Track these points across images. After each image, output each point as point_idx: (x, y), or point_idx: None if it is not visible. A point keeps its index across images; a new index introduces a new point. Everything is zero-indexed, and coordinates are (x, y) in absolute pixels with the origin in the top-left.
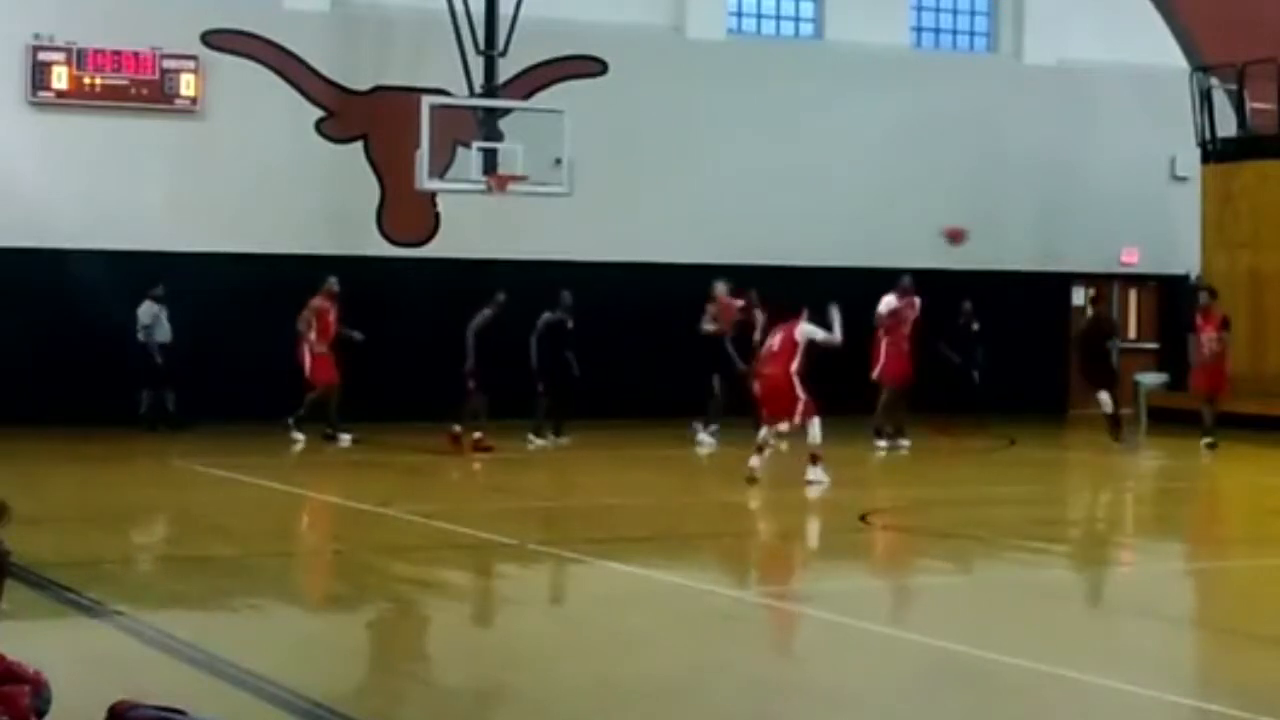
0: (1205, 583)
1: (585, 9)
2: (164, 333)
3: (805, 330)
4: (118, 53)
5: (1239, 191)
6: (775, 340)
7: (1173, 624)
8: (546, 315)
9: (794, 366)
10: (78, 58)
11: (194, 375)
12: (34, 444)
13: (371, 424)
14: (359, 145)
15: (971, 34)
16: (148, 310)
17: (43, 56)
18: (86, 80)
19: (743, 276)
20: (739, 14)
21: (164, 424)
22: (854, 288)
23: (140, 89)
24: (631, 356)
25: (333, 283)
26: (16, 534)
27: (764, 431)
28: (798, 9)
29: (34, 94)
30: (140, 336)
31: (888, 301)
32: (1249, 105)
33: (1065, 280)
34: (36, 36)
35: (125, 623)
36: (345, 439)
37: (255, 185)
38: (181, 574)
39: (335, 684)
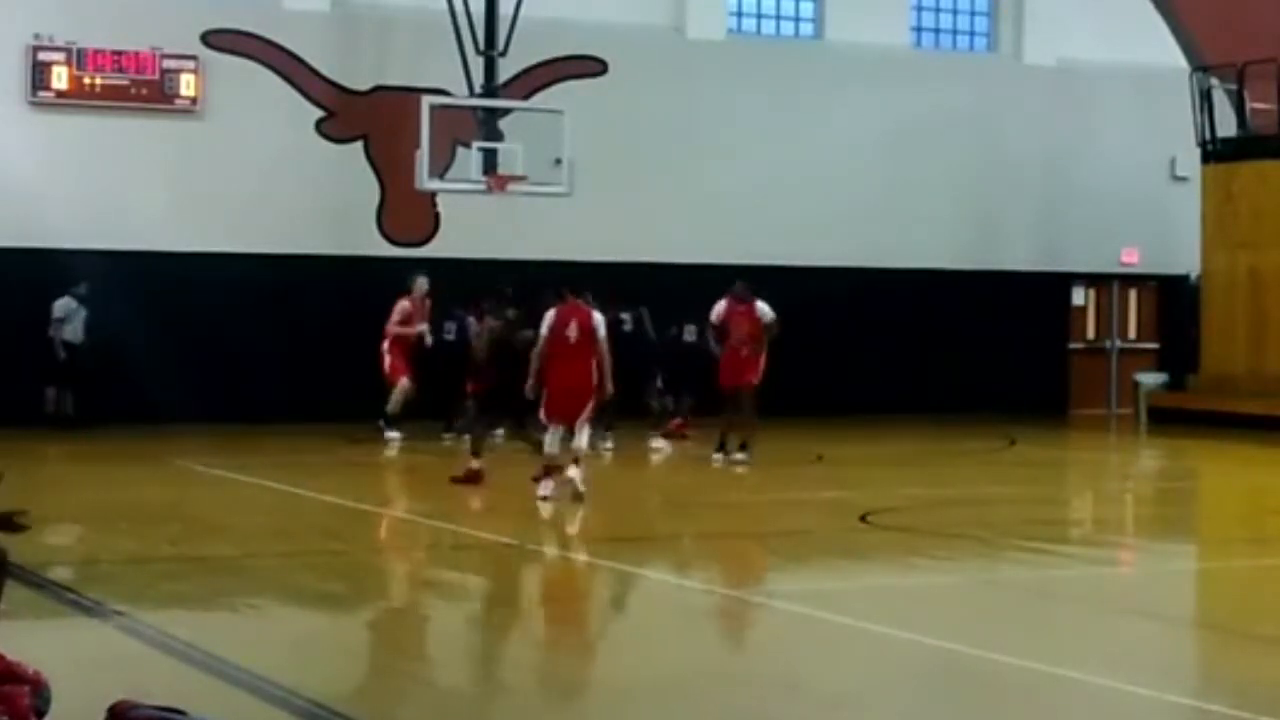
0: (1205, 583)
1: (585, 9)
2: (74, 331)
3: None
4: (118, 53)
5: (1239, 191)
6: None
7: (1173, 624)
8: None
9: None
10: (78, 58)
11: (194, 374)
12: (34, 443)
13: (374, 421)
14: (359, 145)
15: (971, 34)
16: (63, 305)
17: (43, 56)
18: (86, 80)
19: (744, 275)
20: (739, 14)
21: (65, 422)
22: (854, 287)
23: (140, 89)
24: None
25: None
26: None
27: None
28: (798, 9)
29: (34, 94)
30: (50, 331)
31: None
32: (1249, 105)
33: (1065, 280)
34: (36, 36)
35: (125, 623)
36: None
37: (255, 185)
38: (181, 574)
39: (334, 683)
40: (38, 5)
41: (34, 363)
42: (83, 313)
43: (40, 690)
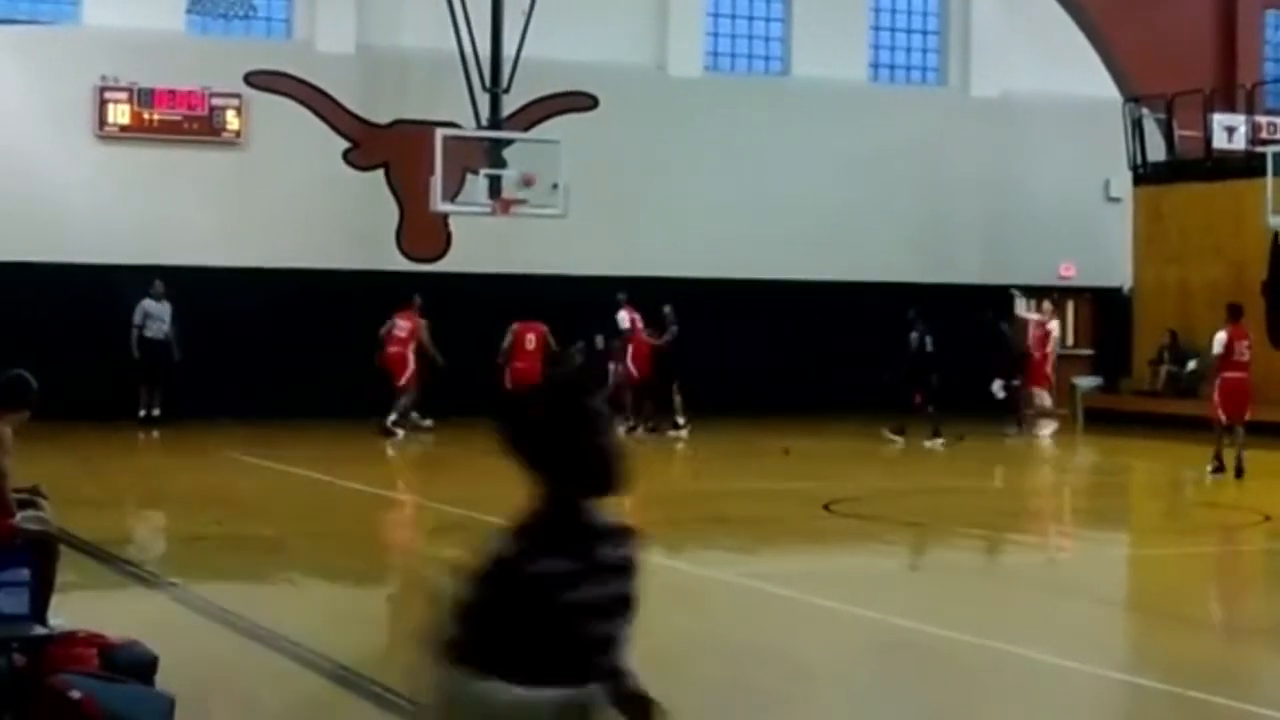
0: (1137, 568)
1: (578, 50)
2: (158, 328)
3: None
4: (172, 92)
5: (1168, 211)
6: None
7: (1107, 605)
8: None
9: None
10: (138, 96)
11: (236, 374)
12: (97, 434)
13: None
14: (380, 172)
15: (924, 69)
16: (140, 309)
17: (109, 95)
18: (146, 116)
19: (718, 288)
20: (715, 53)
21: (153, 419)
22: (819, 298)
23: (192, 123)
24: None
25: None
26: (85, 515)
27: None
28: (767, 48)
29: (101, 128)
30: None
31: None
32: (1177, 133)
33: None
34: (104, 78)
35: (178, 593)
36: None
37: (291, 208)
38: (226, 550)
39: (359, 649)
40: (105, 51)
41: (98, 365)
42: (166, 308)
43: (115, 651)
